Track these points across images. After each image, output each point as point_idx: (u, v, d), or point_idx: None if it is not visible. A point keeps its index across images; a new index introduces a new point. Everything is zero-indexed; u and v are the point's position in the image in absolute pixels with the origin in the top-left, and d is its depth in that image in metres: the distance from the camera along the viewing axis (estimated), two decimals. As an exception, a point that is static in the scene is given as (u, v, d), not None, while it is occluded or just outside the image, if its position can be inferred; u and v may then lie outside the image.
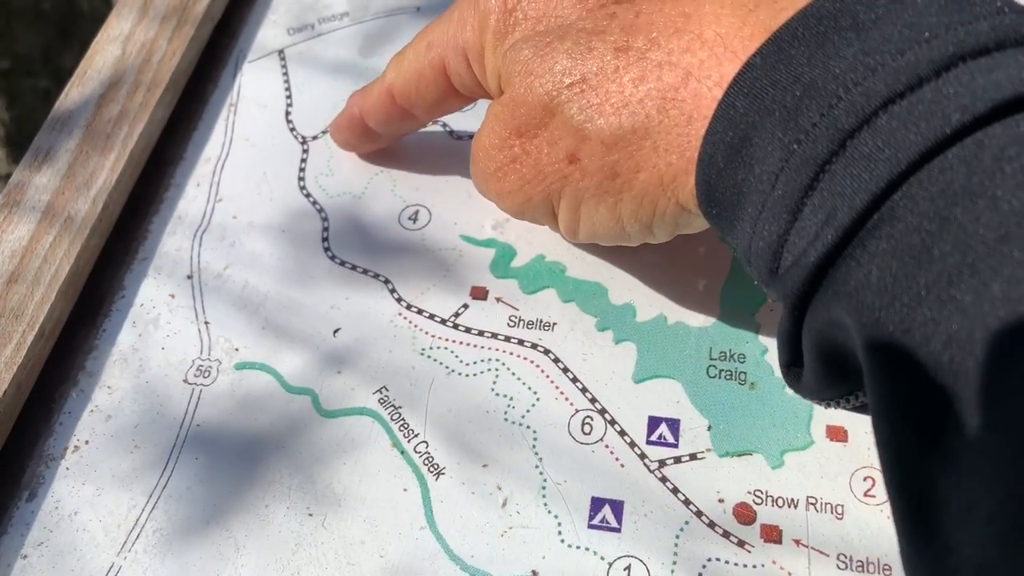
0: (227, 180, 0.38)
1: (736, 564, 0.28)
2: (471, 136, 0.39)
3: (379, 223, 0.36)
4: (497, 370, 0.32)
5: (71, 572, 0.29)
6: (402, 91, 0.33)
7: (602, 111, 0.26)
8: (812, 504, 0.29)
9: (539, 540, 0.29)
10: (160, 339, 0.34)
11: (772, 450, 0.30)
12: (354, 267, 0.35)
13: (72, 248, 0.35)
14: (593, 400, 0.31)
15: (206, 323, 0.34)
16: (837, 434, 0.30)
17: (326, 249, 0.36)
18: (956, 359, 0.18)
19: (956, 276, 0.18)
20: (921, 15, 0.20)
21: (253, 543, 0.29)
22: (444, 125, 0.39)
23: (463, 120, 0.39)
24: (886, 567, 0.28)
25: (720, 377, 0.31)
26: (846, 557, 0.28)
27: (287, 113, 0.40)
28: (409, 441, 0.31)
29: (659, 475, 0.30)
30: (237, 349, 0.33)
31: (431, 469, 0.30)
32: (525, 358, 0.33)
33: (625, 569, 0.28)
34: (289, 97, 0.41)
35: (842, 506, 0.29)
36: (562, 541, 0.29)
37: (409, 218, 0.36)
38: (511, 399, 0.32)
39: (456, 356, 0.33)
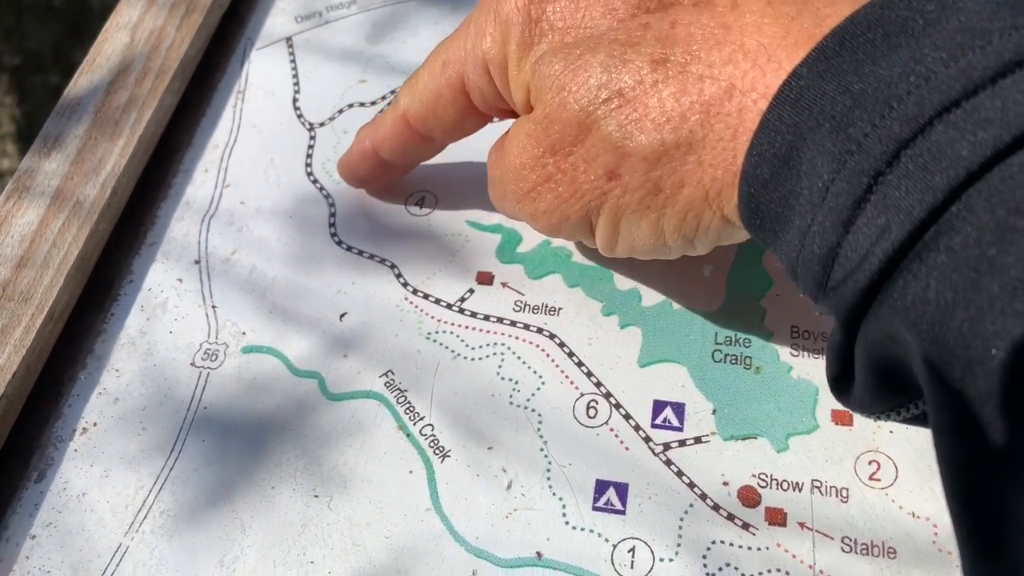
0: (235, 166, 0.38)
1: (740, 547, 0.28)
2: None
3: (385, 209, 0.37)
4: (502, 354, 0.32)
5: (79, 552, 0.29)
6: (418, 115, 0.32)
7: (642, 127, 0.25)
8: (817, 487, 0.29)
9: (543, 522, 0.29)
10: (168, 323, 0.34)
11: (777, 434, 0.30)
12: (360, 252, 0.35)
13: (81, 233, 0.35)
14: (598, 384, 0.31)
15: (213, 307, 0.34)
16: (843, 418, 0.30)
17: (333, 234, 0.36)
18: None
19: (1020, 288, 0.17)
20: (973, 19, 0.20)
21: (259, 524, 0.29)
22: (451, 112, 0.39)
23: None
24: (891, 550, 0.28)
25: (725, 361, 0.31)
26: (851, 540, 0.28)
27: (295, 100, 0.40)
28: (415, 424, 0.31)
29: (664, 458, 0.30)
30: (244, 333, 0.34)
31: (436, 451, 0.30)
32: (530, 342, 0.33)
33: (629, 551, 0.28)
34: (296, 84, 0.41)
35: (847, 489, 0.29)
36: (566, 523, 0.29)
37: (415, 204, 0.37)
38: (516, 383, 0.32)
39: (462, 340, 0.33)
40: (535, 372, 0.32)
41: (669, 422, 0.30)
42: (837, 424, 0.30)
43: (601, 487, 0.29)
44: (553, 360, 0.32)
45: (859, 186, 0.20)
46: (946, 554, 0.27)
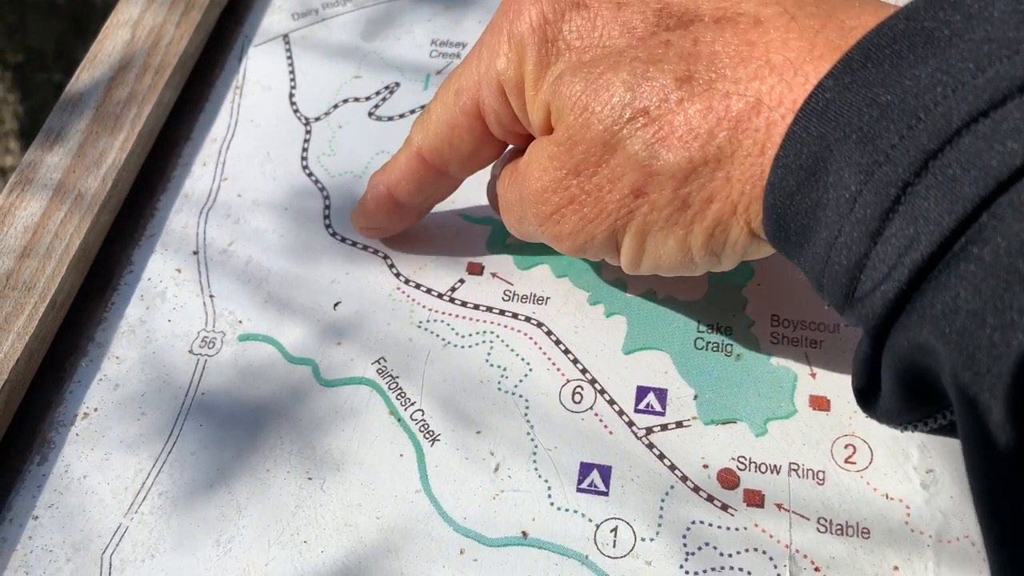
0: (232, 160, 0.39)
1: (719, 527, 0.29)
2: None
3: (379, 201, 0.38)
4: (491, 342, 0.33)
5: (80, 532, 0.30)
6: (433, 148, 0.32)
7: (669, 144, 0.25)
8: (794, 470, 0.30)
9: (529, 503, 0.30)
10: (167, 312, 0.35)
11: (756, 418, 0.31)
12: (354, 243, 0.36)
13: (82, 224, 0.36)
14: (584, 371, 0.32)
15: (211, 296, 0.35)
16: (820, 403, 0.31)
17: (327, 226, 0.37)
18: None
19: None
20: (999, 29, 0.20)
21: (254, 505, 0.30)
22: (443, 107, 0.40)
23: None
24: (864, 530, 0.28)
25: (707, 349, 0.32)
26: (826, 521, 0.29)
27: (291, 95, 0.41)
28: (406, 409, 0.32)
29: (646, 442, 0.31)
30: (241, 321, 0.35)
31: (426, 436, 0.31)
32: (519, 331, 0.34)
33: (612, 531, 0.29)
34: (293, 80, 0.42)
35: (823, 472, 0.30)
36: (551, 504, 0.30)
37: (408, 196, 0.38)
38: (504, 369, 0.33)
39: (452, 329, 0.34)
40: (523, 359, 0.33)
41: (652, 407, 0.31)
42: (814, 409, 0.31)
43: (585, 469, 0.30)
44: (540, 348, 0.33)
45: (887, 197, 0.20)
46: (918, 534, 0.28)
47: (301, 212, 0.37)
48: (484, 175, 0.34)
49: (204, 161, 0.40)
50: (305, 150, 0.40)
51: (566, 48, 0.27)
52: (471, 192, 0.37)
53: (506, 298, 0.34)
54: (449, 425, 0.31)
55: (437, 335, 0.34)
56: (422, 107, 0.40)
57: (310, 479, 0.31)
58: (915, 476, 0.29)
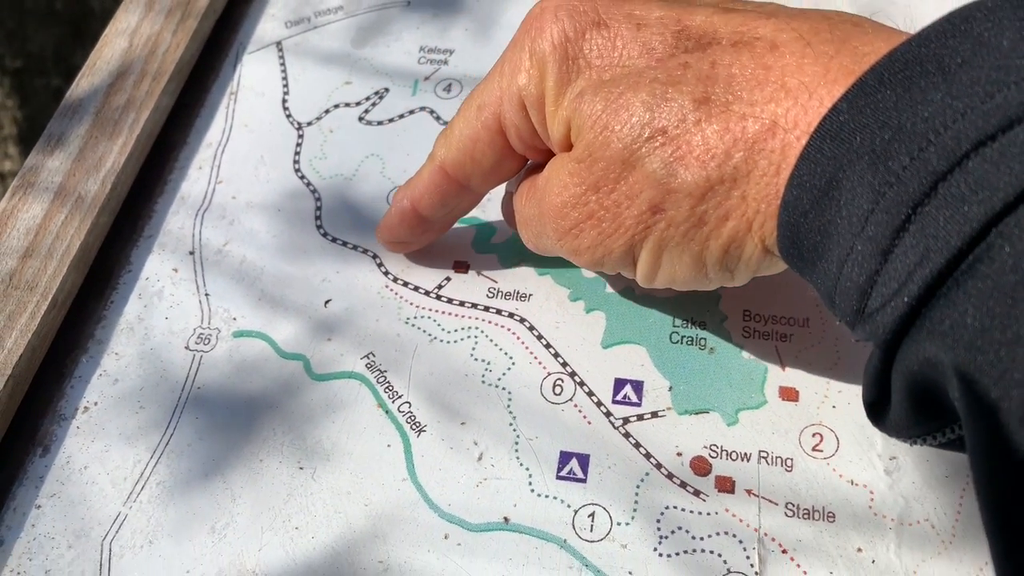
0: (227, 163, 0.41)
1: (692, 511, 0.30)
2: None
3: (368, 202, 0.39)
4: (476, 337, 0.35)
5: (81, 520, 0.32)
6: (456, 162, 0.32)
7: (687, 164, 0.26)
8: (764, 457, 0.31)
9: (511, 490, 0.31)
10: (164, 310, 0.36)
11: (728, 408, 0.32)
12: (344, 243, 0.38)
13: (82, 226, 0.37)
14: (564, 364, 0.34)
15: (206, 295, 0.37)
16: (789, 394, 0.32)
17: (318, 227, 0.38)
18: None
19: None
20: (1008, 57, 0.20)
21: (248, 493, 0.32)
22: (431, 111, 0.42)
23: (449, 106, 0.42)
24: (830, 514, 0.30)
25: (682, 343, 0.34)
26: (794, 505, 0.30)
27: (284, 101, 0.43)
28: (393, 401, 0.33)
29: (623, 431, 0.32)
30: (235, 318, 0.36)
31: (413, 427, 0.33)
32: (502, 326, 0.35)
33: (589, 516, 0.30)
34: (286, 86, 0.43)
35: (791, 459, 0.31)
36: (532, 491, 0.31)
37: (396, 198, 0.39)
38: (488, 363, 0.34)
39: (438, 325, 0.35)
40: (506, 353, 0.34)
41: (629, 398, 0.33)
42: (784, 400, 0.32)
43: (564, 458, 0.32)
44: (523, 342, 0.34)
45: (898, 216, 0.21)
46: (881, 517, 0.30)
47: (293, 213, 0.39)
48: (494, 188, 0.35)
49: (200, 165, 0.41)
50: (297, 154, 0.41)
51: (586, 66, 0.28)
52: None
53: (490, 295, 0.36)
54: (435, 416, 0.33)
55: (424, 331, 0.35)
56: (411, 112, 0.42)
57: (301, 468, 0.32)
58: (879, 463, 0.31)
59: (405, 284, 0.36)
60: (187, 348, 0.35)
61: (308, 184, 0.40)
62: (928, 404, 0.22)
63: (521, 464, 0.32)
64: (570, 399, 0.33)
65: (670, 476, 0.31)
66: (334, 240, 0.38)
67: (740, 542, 0.29)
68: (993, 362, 0.19)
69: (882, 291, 0.22)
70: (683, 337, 0.34)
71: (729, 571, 0.29)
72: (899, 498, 0.30)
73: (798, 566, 0.29)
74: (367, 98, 0.43)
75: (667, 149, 0.26)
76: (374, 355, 0.34)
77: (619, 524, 0.30)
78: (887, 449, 0.31)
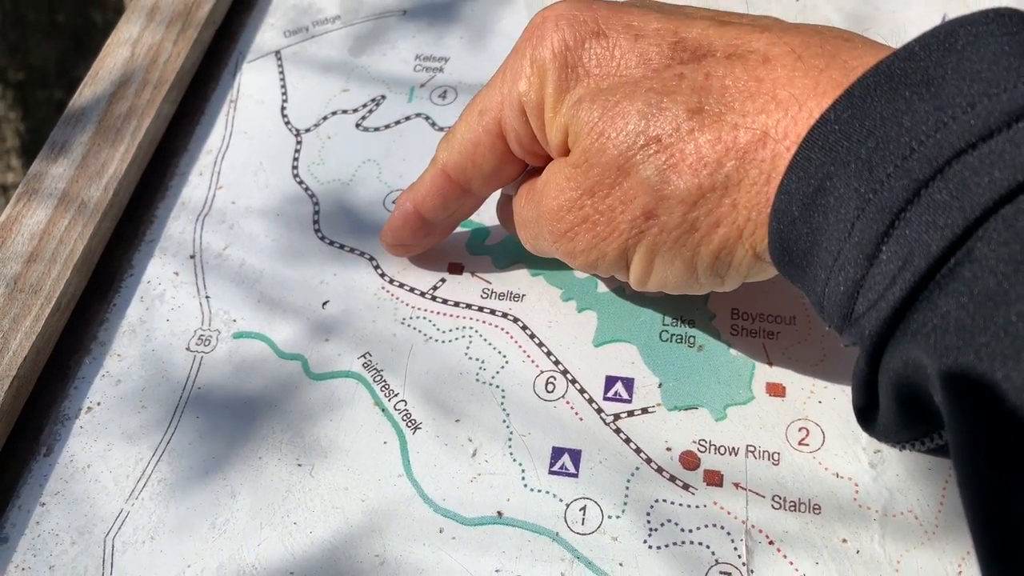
0: (227, 169, 0.42)
1: (681, 504, 0.31)
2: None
3: (365, 206, 0.40)
4: (471, 337, 0.35)
5: (84, 517, 0.32)
6: (457, 166, 0.33)
7: (680, 171, 0.26)
8: (751, 452, 0.32)
9: (504, 485, 0.32)
10: (165, 312, 0.37)
11: (716, 404, 0.33)
12: (342, 246, 0.39)
13: (85, 231, 0.38)
14: (557, 362, 0.34)
15: (207, 297, 0.37)
16: (776, 390, 0.33)
17: (316, 230, 0.39)
18: None
19: None
20: (990, 70, 0.21)
21: (248, 490, 0.32)
22: (427, 118, 0.43)
23: (444, 112, 0.43)
24: (816, 507, 0.31)
25: (671, 341, 0.35)
26: (780, 498, 0.31)
27: (283, 108, 0.44)
28: (390, 400, 0.34)
29: (614, 427, 0.33)
30: (235, 320, 0.37)
31: (409, 424, 0.33)
32: (496, 326, 0.36)
33: (581, 510, 0.31)
34: (285, 94, 0.44)
35: (778, 453, 0.32)
36: (525, 485, 0.32)
37: (393, 202, 0.40)
38: (483, 362, 0.35)
39: (433, 325, 0.36)
40: (500, 352, 0.35)
41: (619, 395, 0.33)
42: (771, 396, 0.33)
43: (557, 453, 0.32)
44: (516, 341, 0.35)
45: (882, 222, 0.21)
46: (865, 509, 0.30)
47: (292, 218, 0.40)
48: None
49: (200, 171, 0.42)
50: (296, 160, 0.42)
51: (585, 75, 0.29)
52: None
53: (484, 296, 0.37)
54: (430, 414, 0.34)
55: (419, 331, 0.36)
56: (407, 118, 0.43)
57: (300, 465, 0.33)
58: (864, 456, 0.31)
59: (401, 285, 0.37)
60: (188, 349, 0.36)
61: (306, 189, 0.41)
62: (915, 408, 0.23)
63: (514, 460, 0.32)
64: (562, 396, 0.34)
65: (660, 470, 0.32)
66: (332, 243, 0.39)
67: (728, 534, 0.30)
68: (974, 362, 0.19)
69: (868, 296, 0.22)
70: (672, 335, 0.35)
71: (717, 562, 0.30)
72: (883, 490, 0.31)
73: (784, 557, 0.30)
74: (364, 105, 0.43)
75: (661, 156, 0.27)
76: (371, 355, 0.35)
77: (610, 517, 0.31)
78: (872, 443, 0.32)
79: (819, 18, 0.44)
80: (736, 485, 0.31)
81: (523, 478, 0.32)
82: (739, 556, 0.30)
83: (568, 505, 0.31)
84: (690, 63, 0.27)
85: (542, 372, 0.34)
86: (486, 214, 0.39)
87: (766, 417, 0.33)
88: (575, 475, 0.32)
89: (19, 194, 0.39)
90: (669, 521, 0.31)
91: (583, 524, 0.31)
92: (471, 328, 0.36)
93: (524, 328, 0.36)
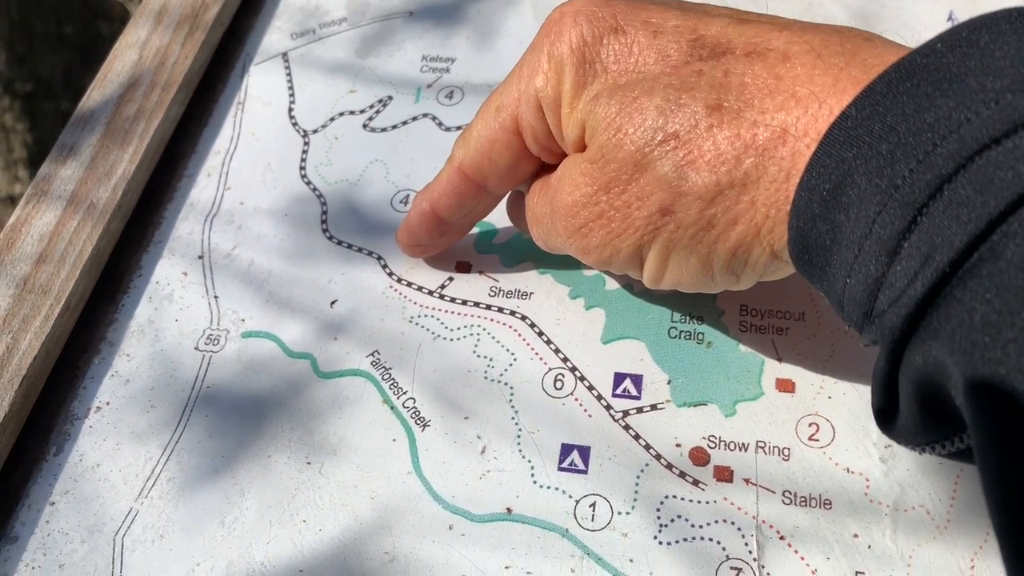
0: (235, 170, 0.42)
1: (691, 500, 0.31)
2: (459, 128, 0.42)
3: (373, 206, 0.40)
4: (479, 335, 0.35)
5: (94, 516, 0.32)
6: (473, 163, 0.33)
7: (697, 168, 0.26)
8: (761, 447, 0.32)
9: (514, 482, 0.32)
10: (174, 312, 0.37)
11: (725, 400, 0.33)
12: (350, 246, 0.39)
13: (94, 232, 0.38)
14: (565, 360, 0.34)
15: (215, 297, 0.38)
16: (785, 386, 0.33)
17: (324, 230, 0.39)
18: None
19: None
20: (1012, 67, 0.21)
21: (257, 488, 0.32)
22: (434, 118, 0.43)
23: (451, 113, 0.43)
24: (827, 502, 0.30)
25: (680, 337, 0.35)
26: (791, 493, 0.31)
27: (290, 110, 0.44)
28: (398, 397, 0.34)
29: (623, 424, 0.33)
30: (243, 320, 0.37)
31: (418, 422, 0.33)
32: (504, 324, 0.36)
33: (591, 506, 0.31)
34: (292, 95, 0.44)
35: (788, 449, 0.32)
36: (534, 482, 0.32)
37: (400, 201, 0.40)
38: (491, 360, 0.35)
39: (442, 323, 0.36)
40: (508, 350, 0.35)
41: (628, 392, 0.33)
42: (780, 391, 0.33)
43: (566, 450, 0.32)
44: (524, 339, 0.35)
45: (904, 218, 0.21)
46: (876, 504, 0.30)
47: (300, 218, 0.40)
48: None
49: (208, 172, 0.42)
50: (303, 160, 0.42)
51: (603, 70, 0.29)
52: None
53: (492, 294, 0.37)
54: (439, 412, 0.34)
55: (427, 329, 0.36)
56: (414, 118, 0.43)
57: (309, 463, 0.33)
58: (874, 451, 0.31)
59: (409, 284, 0.37)
60: (197, 349, 0.36)
61: (314, 189, 0.41)
62: (936, 409, 0.23)
63: (523, 456, 0.32)
64: (571, 393, 0.34)
65: (669, 466, 0.32)
66: (340, 243, 0.39)
67: (739, 529, 0.30)
68: (1000, 358, 0.19)
69: (888, 293, 0.22)
70: (681, 332, 0.35)
71: (728, 558, 0.30)
72: (894, 485, 0.31)
73: (796, 552, 0.29)
74: (371, 106, 0.44)
75: (679, 153, 0.27)
76: (379, 353, 0.35)
77: (620, 513, 0.31)
78: (882, 438, 0.32)
79: (826, 15, 0.44)
80: (746, 481, 0.31)
81: (532, 475, 0.32)
82: (750, 551, 0.30)
83: (578, 501, 0.31)
84: (709, 60, 0.27)
85: (550, 369, 0.34)
86: (493, 213, 0.39)
87: (776, 413, 0.32)
88: (584, 472, 0.32)
89: (28, 196, 0.40)
90: (679, 517, 0.30)
91: (593, 520, 0.31)
92: (479, 326, 0.36)
93: (532, 326, 0.36)
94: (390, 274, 0.38)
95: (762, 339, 0.34)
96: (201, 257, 0.39)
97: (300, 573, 0.30)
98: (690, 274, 0.29)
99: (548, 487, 0.32)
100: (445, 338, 0.35)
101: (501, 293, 0.37)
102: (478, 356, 0.35)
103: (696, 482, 0.31)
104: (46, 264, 0.37)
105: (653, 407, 0.33)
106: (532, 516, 0.31)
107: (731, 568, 0.29)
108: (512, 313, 0.36)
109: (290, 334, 0.36)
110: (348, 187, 0.41)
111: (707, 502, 0.31)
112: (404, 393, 0.34)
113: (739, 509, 0.31)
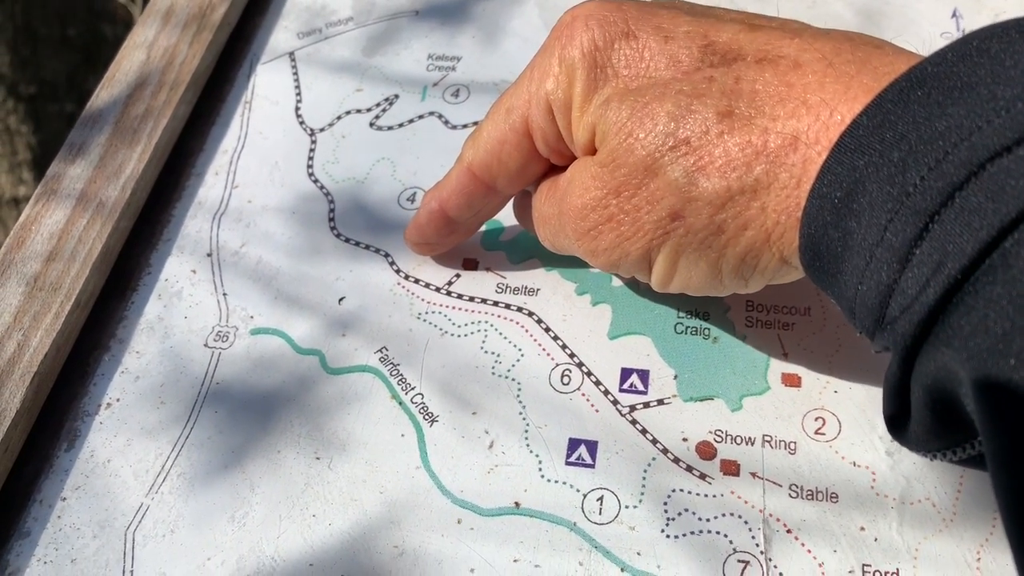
0: (243, 169, 0.42)
1: (698, 494, 0.31)
2: (465, 126, 0.42)
3: (380, 204, 0.40)
4: (486, 331, 0.36)
5: (105, 511, 0.33)
6: (483, 164, 0.33)
7: (708, 173, 0.26)
8: (767, 441, 0.32)
9: (521, 476, 0.32)
10: (183, 309, 0.38)
11: (732, 395, 0.33)
12: (357, 243, 0.39)
13: (104, 230, 0.39)
14: (572, 355, 0.35)
15: (224, 294, 0.38)
16: (792, 380, 0.33)
17: (332, 228, 0.40)
18: None
19: None
20: (1022, 75, 0.21)
21: (267, 484, 0.33)
22: (440, 116, 0.43)
23: (457, 111, 0.43)
24: (833, 495, 0.31)
25: (686, 333, 0.35)
26: (797, 487, 0.31)
27: (297, 109, 0.44)
28: (406, 393, 0.34)
29: (630, 418, 0.33)
30: (252, 316, 0.37)
31: (426, 417, 0.34)
32: (511, 320, 0.36)
33: (598, 500, 0.31)
34: (299, 94, 0.45)
35: (795, 443, 0.32)
36: (542, 476, 0.32)
37: (407, 199, 0.40)
38: (498, 355, 0.35)
39: (449, 319, 0.36)
40: (515, 346, 0.35)
41: (635, 387, 0.34)
42: (786, 386, 0.33)
43: (573, 445, 0.32)
44: (531, 335, 0.35)
45: (915, 226, 0.21)
46: (883, 497, 0.30)
47: (308, 216, 0.40)
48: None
49: (216, 171, 0.42)
50: (311, 159, 0.42)
51: (614, 75, 0.29)
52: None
53: (499, 290, 0.37)
54: (447, 407, 0.34)
55: (435, 325, 0.36)
56: (420, 117, 0.43)
57: (318, 459, 0.33)
58: (880, 445, 0.31)
59: (416, 281, 0.37)
60: (206, 345, 0.36)
61: (322, 187, 0.41)
62: (948, 416, 0.23)
63: (531, 451, 0.32)
64: (578, 388, 0.34)
65: (676, 460, 0.32)
66: (347, 240, 0.39)
67: (746, 523, 0.30)
68: (1014, 365, 0.19)
69: (900, 300, 0.22)
70: (687, 327, 0.35)
71: (735, 551, 0.30)
72: (900, 478, 0.31)
73: (803, 545, 0.30)
74: (377, 104, 0.44)
75: (690, 159, 0.27)
76: (387, 349, 0.35)
77: (627, 507, 0.31)
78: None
79: (831, 13, 0.44)
80: (753, 474, 0.31)
81: (540, 469, 0.32)
82: (757, 545, 0.30)
83: (585, 495, 0.31)
84: (720, 66, 0.27)
85: (557, 365, 0.34)
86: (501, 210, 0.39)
87: (782, 407, 0.33)
88: (592, 466, 0.32)
89: (38, 195, 0.40)
90: (686, 510, 0.31)
91: (600, 514, 0.31)
92: (486, 322, 0.36)
93: (539, 322, 0.36)
94: (397, 271, 0.38)
95: (768, 334, 0.34)
96: (210, 255, 0.39)
97: (310, 567, 0.31)
98: (699, 278, 0.29)
99: (556, 481, 0.32)
100: (452, 334, 0.36)
101: (508, 289, 0.37)
102: (485, 352, 0.35)
103: (703, 476, 0.31)
104: (56, 262, 0.38)
105: (660, 402, 0.33)
106: (540, 510, 0.31)
107: (738, 561, 0.30)
108: (519, 309, 0.36)
109: (299, 331, 0.36)
110: (355, 185, 0.41)
111: (714, 496, 0.31)
112: (412, 389, 0.34)
113: (746, 503, 0.31)
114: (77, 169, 0.41)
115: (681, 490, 0.31)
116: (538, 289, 0.37)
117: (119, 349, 0.37)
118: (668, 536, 0.30)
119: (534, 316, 0.36)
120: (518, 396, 0.34)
